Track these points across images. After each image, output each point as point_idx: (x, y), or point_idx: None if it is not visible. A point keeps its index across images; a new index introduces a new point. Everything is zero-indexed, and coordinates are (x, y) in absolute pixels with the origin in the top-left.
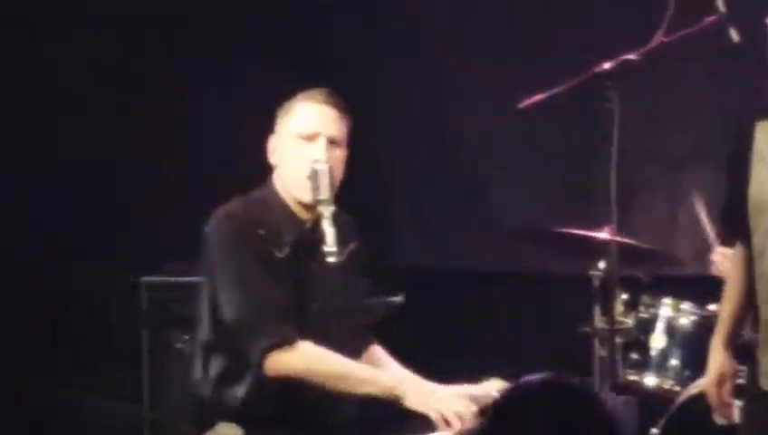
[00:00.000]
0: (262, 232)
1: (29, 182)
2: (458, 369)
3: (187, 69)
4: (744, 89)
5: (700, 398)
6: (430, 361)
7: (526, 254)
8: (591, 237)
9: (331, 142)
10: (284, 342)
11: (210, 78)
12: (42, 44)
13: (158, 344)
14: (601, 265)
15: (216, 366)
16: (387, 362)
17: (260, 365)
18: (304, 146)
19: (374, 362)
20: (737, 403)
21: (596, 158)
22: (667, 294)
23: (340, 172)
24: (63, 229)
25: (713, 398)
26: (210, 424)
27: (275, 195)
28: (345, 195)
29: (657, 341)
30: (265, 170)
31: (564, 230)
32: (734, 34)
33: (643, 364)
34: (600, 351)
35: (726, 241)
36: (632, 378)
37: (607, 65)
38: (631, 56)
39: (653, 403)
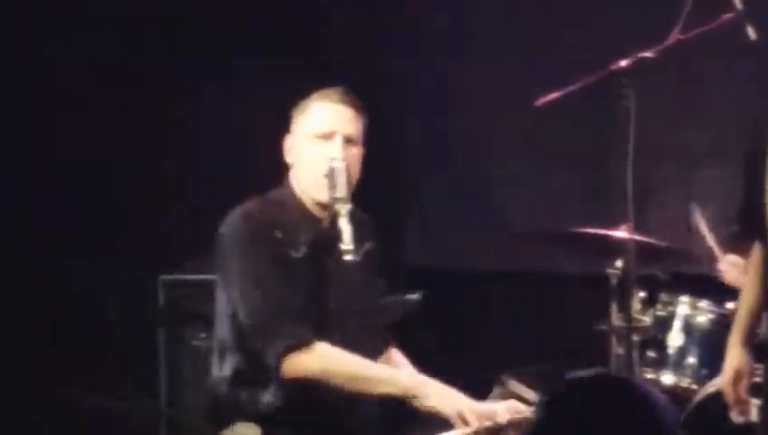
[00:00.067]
0: (278, 234)
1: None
2: (478, 370)
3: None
4: (761, 86)
5: (717, 396)
6: (444, 361)
7: (541, 254)
8: (609, 236)
9: (348, 141)
10: (301, 344)
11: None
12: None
13: (174, 342)
14: (619, 263)
15: (232, 365)
16: (404, 367)
17: (277, 367)
18: (321, 145)
19: (391, 366)
20: (754, 401)
21: (612, 156)
22: (684, 292)
23: (356, 171)
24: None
25: (730, 396)
26: (227, 422)
27: (292, 195)
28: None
29: (675, 339)
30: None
31: (581, 229)
32: (751, 32)
33: (660, 362)
34: (617, 349)
35: (740, 242)
36: (649, 376)
37: (623, 63)
38: (648, 54)
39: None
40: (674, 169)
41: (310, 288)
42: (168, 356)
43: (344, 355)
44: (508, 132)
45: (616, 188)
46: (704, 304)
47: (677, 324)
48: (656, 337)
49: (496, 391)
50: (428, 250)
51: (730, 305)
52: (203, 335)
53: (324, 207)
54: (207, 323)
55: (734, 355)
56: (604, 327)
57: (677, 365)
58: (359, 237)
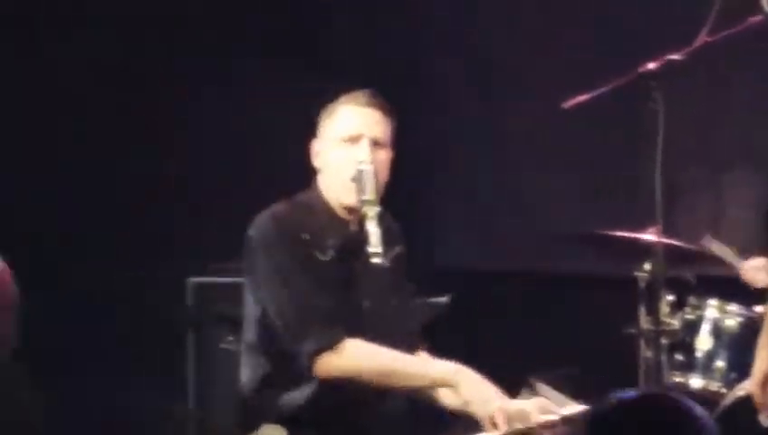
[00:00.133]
0: (306, 236)
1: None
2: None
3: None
4: None
5: (746, 399)
6: (471, 364)
7: (570, 255)
8: (637, 238)
9: (375, 144)
10: (333, 343)
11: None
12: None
13: (202, 345)
14: (647, 266)
15: (259, 367)
16: None
17: (309, 368)
18: (348, 148)
19: None
20: None
21: (640, 158)
22: (712, 295)
23: (385, 174)
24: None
25: (759, 399)
26: (254, 425)
27: (319, 198)
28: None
29: (703, 342)
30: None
31: (610, 232)
32: None
33: (689, 366)
34: (645, 352)
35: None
36: (678, 380)
37: (651, 65)
38: (676, 56)
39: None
40: (702, 172)
41: (338, 290)
42: (196, 359)
43: (376, 350)
44: (535, 133)
45: (644, 190)
46: (732, 307)
47: (706, 328)
48: (684, 340)
49: (525, 393)
50: (455, 252)
51: (759, 309)
52: (230, 338)
53: (352, 210)
54: (235, 325)
55: (764, 358)
56: (632, 330)
57: (706, 369)
58: (387, 241)
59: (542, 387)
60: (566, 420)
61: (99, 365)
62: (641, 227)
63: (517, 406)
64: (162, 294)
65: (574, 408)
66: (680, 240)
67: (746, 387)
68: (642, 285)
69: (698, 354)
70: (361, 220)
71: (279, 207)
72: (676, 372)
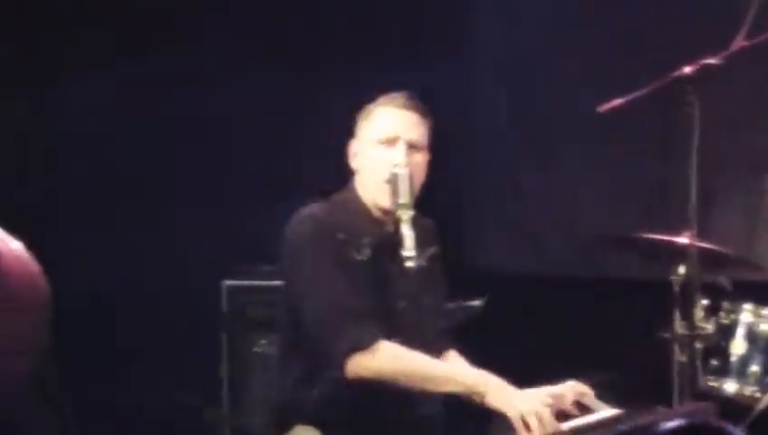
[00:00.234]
0: (341, 235)
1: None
2: (538, 375)
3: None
4: None
5: None
6: (504, 367)
7: (604, 259)
8: (672, 242)
9: (411, 146)
10: (366, 344)
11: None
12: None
13: (236, 348)
14: (682, 270)
15: (294, 368)
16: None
17: (341, 368)
18: (384, 150)
19: None
20: None
21: (675, 162)
22: (747, 299)
23: (421, 177)
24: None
25: None
26: (288, 426)
27: (356, 199)
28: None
29: (738, 347)
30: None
31: (645, 235)
32: None
33: (723, 370)
34: (679, 356)
35: None
36: (712, 384)
37: (687, 69)
38: (712, 60)
39: (733, 410)
40: (738, 176)
41: (372, 290)
42: (230, 362)
43: (408, 354)
44: (569, 135)
45: (679, 194)
46: (767, 311)
47: (741, 332)
48: (719, 345)
49: None
50: (489, 255)
51: None
52: (263, 341)
53: (387, 212)
54: (270, 328)
55: None
56: (667, 335)
57: (740, 373)
58: (422, 243)
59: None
60: (600, 425)
61: (131, 367)
62: (676, 230)
63: (556, 390)
64: (197, 297)
65: (608, 412)
66: (715, 244)
67: None
68: (677, 289)
69: (733, 359)
70: (397, 222)
71: (315, 207)
72: (711, 377)
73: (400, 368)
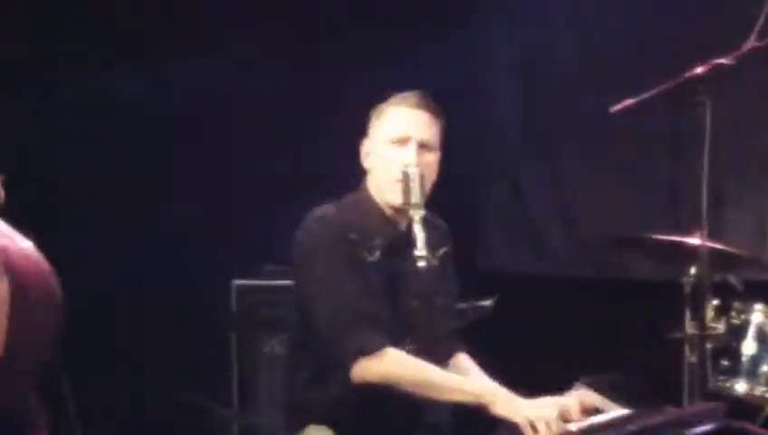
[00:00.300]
0: (353, 236)
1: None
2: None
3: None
4: None
5: None
6: (513, 367)
7: (614, 259)
8: (682, 243)
9: (422, 146)
10: (374, 348)
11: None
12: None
13: (246, 347)
14: (692, 270)
15: (304, 369)
16: (472, 370)
17: (347, 370)
18: (396, 150)
19: (460, 371)
20: None
21: (686, 163)
22: (758, 299)
23: (432, 176)
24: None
25: None
26: (299, 426)
27: (369, 198)
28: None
29: (749, 347)
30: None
31: (655, 235)
32: None
33: (734, 371)
34: (690, 357)
35: None
36: (722, 384)
37: (699, 70)
38: (724, 61)
39: (743, 410)
40: (749, 177)
41: (384, 291)
42: (240, 361)
43: (415, 362)
44: (579, 136)
45: (690, 194)
46: None
47: (751, 332)
48: (729, 345)
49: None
50: (498, 255)
51: None
52: (273, 341)
53: (399, 210)
54: (279, 328)
55: None
56: (677, 335)
57: (751, 374)
58: (434, 243)
59: (587, 391)
60: (609, 425)
61: (140, 367)
62: (687, 231)
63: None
64: (207, 297)
65: (618, 412)
66: (726, 245)
67: None
68: (687, 289)
69: (743, 359)
70: (410, 222)
71: (327, 208)
72: (721, 377)
73: (406, 376)
